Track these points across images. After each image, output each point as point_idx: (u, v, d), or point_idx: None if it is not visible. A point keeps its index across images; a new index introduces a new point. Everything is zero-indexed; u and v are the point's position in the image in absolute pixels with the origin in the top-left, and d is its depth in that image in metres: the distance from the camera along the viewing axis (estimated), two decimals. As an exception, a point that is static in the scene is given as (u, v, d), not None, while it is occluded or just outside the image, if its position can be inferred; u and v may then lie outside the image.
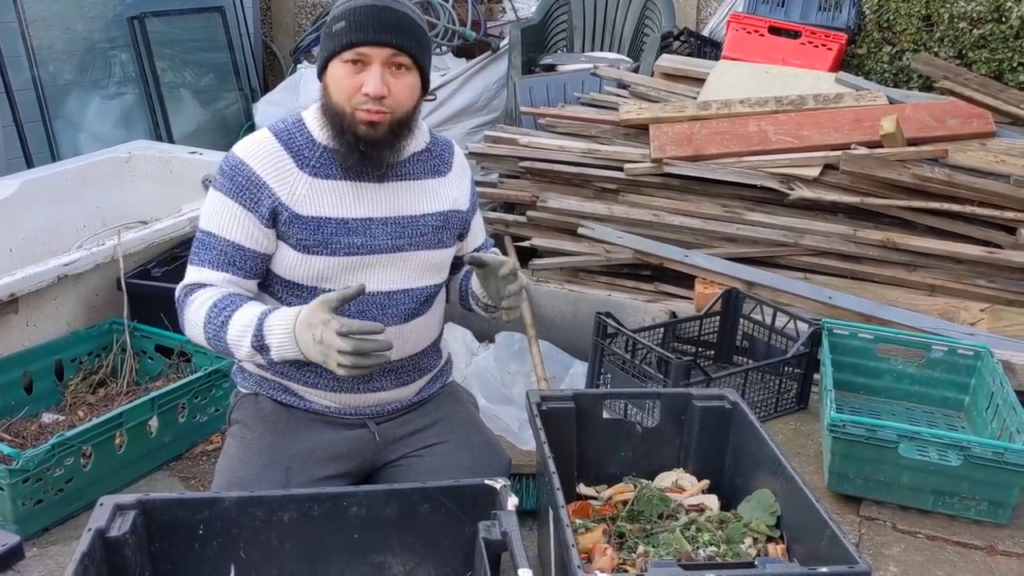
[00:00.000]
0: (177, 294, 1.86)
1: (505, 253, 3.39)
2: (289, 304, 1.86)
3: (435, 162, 1.96)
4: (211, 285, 1.82)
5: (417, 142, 1.92)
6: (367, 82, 1.74)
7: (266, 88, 5.46)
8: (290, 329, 1.71)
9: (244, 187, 1.80)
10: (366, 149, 1.79)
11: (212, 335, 1.79)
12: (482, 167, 3.79)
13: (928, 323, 2.90)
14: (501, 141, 3.69)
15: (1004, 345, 2.78)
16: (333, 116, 1.79)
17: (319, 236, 1.81)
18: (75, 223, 3.35)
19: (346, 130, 1.77)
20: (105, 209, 3.45)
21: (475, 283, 2.01)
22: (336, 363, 1.66)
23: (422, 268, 1.92)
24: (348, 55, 1.74)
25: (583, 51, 4.90)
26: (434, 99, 4.74)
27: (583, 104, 3.96)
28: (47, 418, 2.56)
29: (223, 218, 1.81)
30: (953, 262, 3.11)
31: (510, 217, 3.60)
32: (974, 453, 2.20)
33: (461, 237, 2.05)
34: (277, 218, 1.81)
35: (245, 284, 1.84)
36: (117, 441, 2.30)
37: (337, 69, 1.77)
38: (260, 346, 1.74)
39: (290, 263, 1.83)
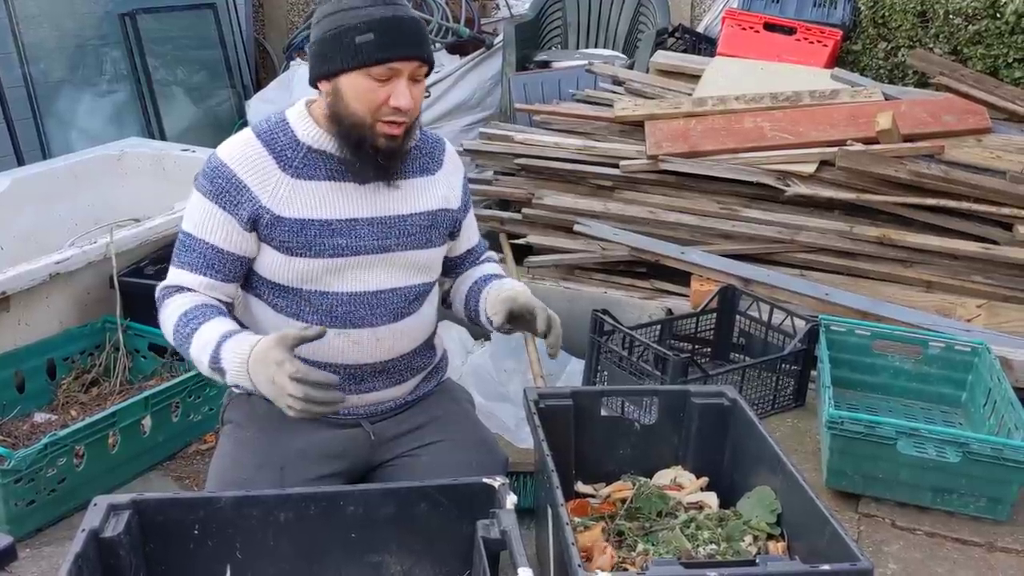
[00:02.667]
0: (157, 294, 1.84)
1: (500, 251, 3.38)
2: (275, 306, 1.85)
3: (424, 160, 1.93)
4: (189, 289, 1.80)
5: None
6: (398, 97, 1.71)
7: (258, 85, 5.43)
8: (244, 360, 1.68)
9: (224, 190, 1.77)
10: (384, 161, 1.78)
11: (179, 344, 1.78)
12: (477, 164, 3.77)
13: (925, 319, 2.90)
14: (496, 138, 3.68)
15: (1001, 341, 2.77)
16: (351, 128, 1.75)
17: (302, 238, 1.79)
18: (67, 221, 3.32)
19: (366, 142, 1.75)
20: (97, 207, 3.42)
21: (487, 305, 1.99)
22: (286, 404, 1.63)
23: (410, 268, 1.89)
24: (378, 71, 1.71)
25: (578, 48, 4.89)
26: (428, 96, 4.72)
27: (578, 101, 3.95)
28: (39, 418, 2.54)
29: (203, 220, 1.79)
30: (950, 258, 3.11)
31: (505, 214, 3.59)
32: (972, 449, 2.19)
33: (452, 236, 2.02)
34: (258, 222, 1.78)
35: (224, 288, 1.83)
36: (110, 441, 2.29)
37: (360, 82, 1.72)
38: (216, 368, 1.72)
39: (274, 265, 1.81)
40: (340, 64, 1.73)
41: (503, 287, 2.00)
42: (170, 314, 1.79)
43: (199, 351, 1.74)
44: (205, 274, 1.80)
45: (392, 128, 1.74)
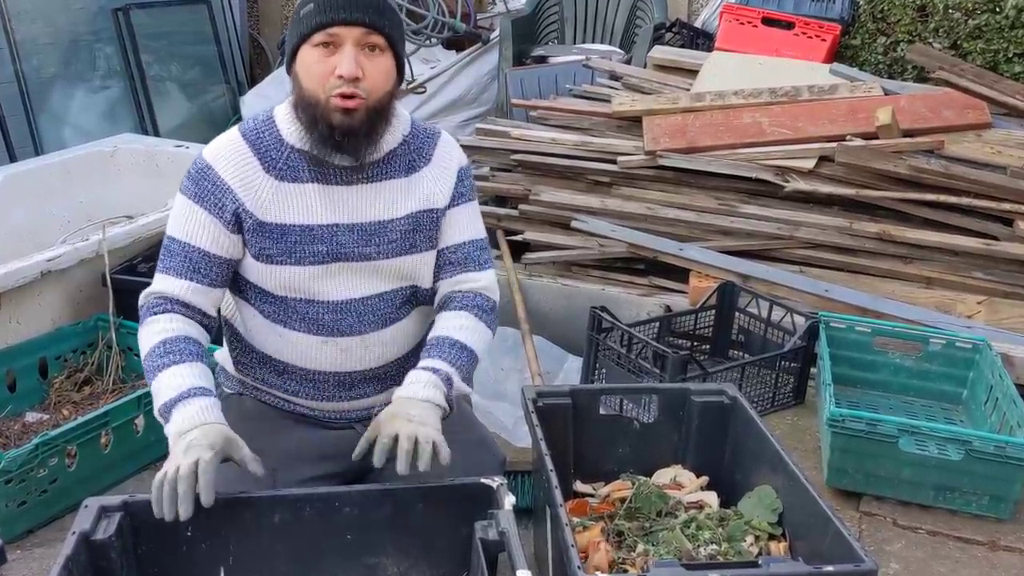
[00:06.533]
0: (141, 300, 1.76)
1: (497, 247, 3.35)
2: (263, 312, 1.79)
3: (411, 157, 1.84)
4: (176, 301, 1.72)
5: (394, 137, 1.81)
6: (341, 63, 1.64)
7: (253, 81, 5.41)
8: (194, 425, 1.60)
9: (209, 192, 1.72)
10: (341, 139, 1.69)
11: (148, 367, 1.69)
12: (473, 160, 3.75)
13: (925, 316, 2.88)
14: (492, 134, 3.66)
15: (1001, 338, 2.76)
16: (306, 106, 1.69)
17: (282, 245, 1.73)
18: (59, 218, 3.29)
19: (320, 120, 1.67)
20: (90, 203, 3.39)
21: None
22: (174, 467, 1.54)
23: (395, 275, 1.82)
24: (318, 37, 1.65)
25: (574, 43, 4.87)
26: (424, 92, 4.70)
27: (575, 96, 3.93)
28: (31, 417, 2.52)
29: (188, 223, 1.73)
30: (950, 254, 3.09)
31: (502, 211, 3.57)
32: (975, 447, 2.17)
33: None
34: (241, 225, 1.73)
35: (210, 293, 1.76)
36: (103, 440, 2.26)
37: (307, 54, 1.67)
38: (164, 416, 1.65)
39: (256, 272, 1.76)
40: (293, 41, 1.70)
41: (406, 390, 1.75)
42: (152, 334, 1.70)
43: (162, 387, 1.65)
44: (191, 279, 1.73)
45: (344, 102, 1.65)
